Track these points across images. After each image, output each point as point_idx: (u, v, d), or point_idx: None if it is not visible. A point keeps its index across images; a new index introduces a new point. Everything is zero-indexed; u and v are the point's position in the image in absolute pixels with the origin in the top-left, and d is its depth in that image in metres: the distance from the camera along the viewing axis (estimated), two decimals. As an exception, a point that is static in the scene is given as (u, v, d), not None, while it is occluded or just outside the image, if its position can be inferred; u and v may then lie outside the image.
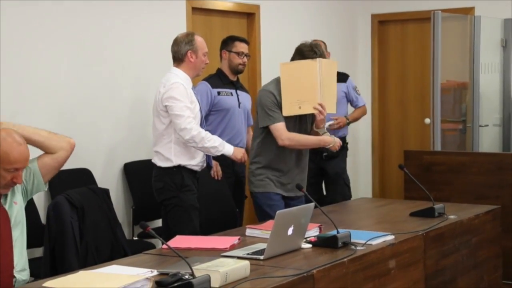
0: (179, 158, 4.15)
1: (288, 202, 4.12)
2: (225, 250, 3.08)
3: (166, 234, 4.07)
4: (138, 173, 4.91)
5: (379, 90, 7.35)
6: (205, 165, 4.38)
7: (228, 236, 3.41)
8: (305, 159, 4.19)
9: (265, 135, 4.06)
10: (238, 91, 5.00)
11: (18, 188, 2.93)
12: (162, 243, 2.72)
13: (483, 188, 5.10)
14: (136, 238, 4.89)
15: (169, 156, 4.15)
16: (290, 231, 3.00)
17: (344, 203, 5.12)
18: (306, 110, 3.98)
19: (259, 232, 3.39)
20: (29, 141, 2.94)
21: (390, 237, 3.33)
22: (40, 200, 4.38)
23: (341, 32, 7.08)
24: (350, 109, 5.89)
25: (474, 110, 6.22)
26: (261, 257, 2.90)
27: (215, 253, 3.00)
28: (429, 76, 5.97)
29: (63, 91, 4.59)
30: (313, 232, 3.36)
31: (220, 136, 4.85)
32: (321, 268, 2.80)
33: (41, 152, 3.04)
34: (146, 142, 4.92)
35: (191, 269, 2.46)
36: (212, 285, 2.48)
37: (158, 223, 4.82)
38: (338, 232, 3.15)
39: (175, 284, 2.42)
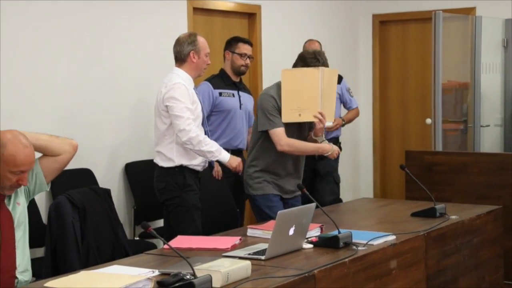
0: (181, 158, 4.15)
1: (286, 201, 4.13)
2: (226, 250, 3.08)
3: (168, 234, 4.07)
4: (139, 173, 4.92)
5: (380, 90, 7.35)
6: (207, 165, 4.38)
7: (229, 236, 3.41)
8: (302, 165, 4.21)
9: (263, 139, 4.06)
10: (240, 92, 5.00)
11: (21, 188, 2.93)
12: (164, 243, 2.72)
13: (484, 188, 5.09)
14: (137, 238, 4.89)
15: (171, 156, 4.15)
16: (291, 231, 3.00)
17: (345, 203, 5.12)
18: (306, 118, 3.99)
19: (261, 232, 3.39)
20: (37, 148, 2.94)
21: (391, 237, 3.33)
22: (42, 200, 4.38)
23: (342, 32, 7.09)
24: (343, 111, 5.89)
25: (475, 110, 6.22)
26: (263, 257, 2.91)
27: (217, 253, 3.00)
28: (430, 76, 5.97)
29: (64, 91, 4.59)
30: (314, 232, 3.36)
31: (220, 137, 4.87)
32: (322, 268, 2.80)
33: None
34: (147, 142, 4.92)
35: (193, 269, 2.46)
36: (213, 285, 2.48)
37: (160, 223, 4.82)
38: (339, 232, 3.15)
39: (177, 284, 2.42)
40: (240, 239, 3.29)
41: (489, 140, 6.39)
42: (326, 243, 3.14)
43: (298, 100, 3.94)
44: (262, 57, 6.11)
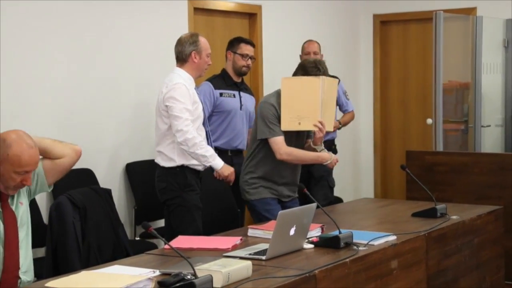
0: (182, 158, 4.15)
1: (284, 204, 4.13)
2: (227, 250, 3.08)
3: (169, 234, 4.07)
4: (140, 173, 4.92)
5: (381, 90, 7.34)
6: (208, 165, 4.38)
7: (230, 236, 3.41)
8: (298, 174, 4.23)
9: (262, 146, 4.06)
10: (241, 93, 5.00)
11: (22, 189, 2.93)
12: (164, 243, 2.72)
13: (485, 188, 5.09)
14: (138, 238, 4.89)
15: (172, 156, 4.15)
16: (292, 232, 3.00)
17: (345, 204, 5.12)
18: (306, 126, 4.00)
19: (261, 232, 3.39)
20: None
21: (392, 238, 3.33)
22: (42, 200, 4.39)
23: (343, 32, 7.09)
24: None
25: (476, 110, 6.21)
26: (263, 257, 2.91)
27: (217, 253, 3.00)
28: (431, 76, 5.97)
29: (65, 91, 4.59)
30: (315, 232, 3.36)
31: (220, 137, 4.88)
32: (323, 268, 2.80)
33: None
34: (148, 142, 4.92)
35: (193, 269, 2.47)
36: (214, 285, 2.48)
37: (160, 223, 4.82)
38: (340, 233, 3.15)
39: (177, 284, 2.42)
40: (241, 239, 3.29)
41: (490, 140, 6.38)
42: (327, 243, 3.14)
43: (298, 109, 3.95)
44: (263, 57, 6.11)
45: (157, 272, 2.66)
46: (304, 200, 4.05)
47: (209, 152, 4.09)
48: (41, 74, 4.45)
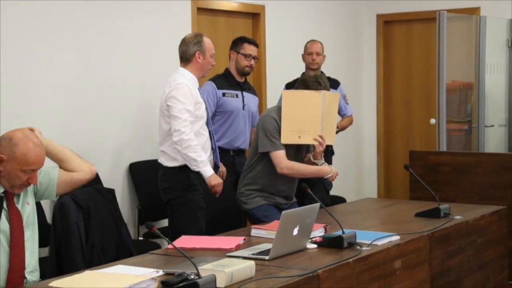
0: (185, 158, 4.14)
1: (282, 209, 4.13)
2: (230, 250, 3.08)
3: (172, 233, 4.07)
4: (143, 173, 4.92)
5: (384, 90, 7.34)
6: (211, 164, 4.38)
7: (233, 236, 3.41)
8: (295, 187, 4.23)
9: (261, 159, 4.07)
10: (244, 93, 4.99)
11: (30, 188, 2.94)
12: (168, 243, 2.72)
13: (488, 188, 5.09)
14: (141, 238, 4.89)
15: (175, 155, 4.15)
16: (295, 232, 3.00)
17: (349, 204, 5.12)
18: (306, 140, 4.01)
19: (265, 232, 3.39)
20: (50, 155, 3.00)
21: (395, 238, 3.33)
22: (46, 200, 4.38)
23: (346, 32, 7.08)
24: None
25: (479, 110, 6.20)
26: (267, 257, 2.91)
27: (221, 253, 3.00)
28: (434, 76, 5.96)
29: (68, 92, 4.59)
30: (318, 232, 3.36)
31: (222, 137, 4.88)
32: (326, 268, 2.80)
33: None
34: (151, 142, 4.93)
35: (197, 269, 2.47)
36: (217, 285, 2.48)
37: (164, 223, 4.82)
38: (343, 233, 3.15)
39: (181, 284, 2.42)
40: (244, 239, 3.29)
41: (493, 140, 6.37)
42: (330, 243, 3.14)
43: (298, 122, 3.96)
44: (266, 57, 6.11)
45: (161, 272, 2.66)
46: (302, 203, 4.06)
47: (201, 158, 4.08)
48: (45, 75, 4.45)
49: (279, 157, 3.96)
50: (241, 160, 4.88)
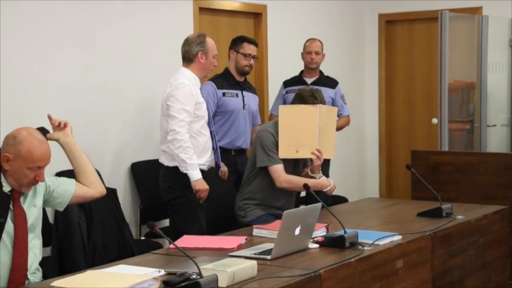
0: (186, 158, 4.14)
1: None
2: (232, 250, 3.08)
3: (173, 233, 4.08)
4: (145, 173, 4.92)
5: (386, 90, 7.33)
6: (212, 164, 4.38)
7: (235, 236, 3.41)
8: (293, 201, 4.24)
9: (259, 173, 4.07)
10: (244, 92, 4.99)
11: (41, 191, 2.95)
12: (170, 243, 2.72)
13: (490, 188, 5.08)
14: (143, 238, 4.89)
15: (175, 155, 4.15)
16: (297, 231, 3.00)
17: (351, 203, 5.12)
18: (304, 154, 4.03)
19: (266, 232, 3.40)
20: (75, 162, 3.05)
21: (397, 237, 3.32)
22: (48, 200, 4.39)
23: (348, 32, 7.08)
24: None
25: (481, 110, 6.20)
26: (268, 257, 2.91)
27: (223, 253, 3.00)
28: (436, 76, 5.96)
29: (70, 92, 4.59)
30: (320, 232, 3.36)
31: (223, 137, 4.87)
32: (328, 268, 2.80)
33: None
34: (153, 142, 4.93)
35: (199, 269, 2.47)
36: (219, 285, 2.48)
37: (166, 222, 4.82)
38: (345, 232, 3.15)
39: (183, 284, 2.42)
40: (246, 239, 3.29)
41: (495, 140, 6.37)
42: (332, 243, 3.13)
43: (296, 137, 3.98)
44: (268, 57, 6.11)
45: (162, 272, 2.66)
46: (305, 203, 4.05)
47: (192, 160, 4.07)
48: (46, 75, 4.45)
49: (278, 171, 3.99)
50: (242, 160, 4.88)
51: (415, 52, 7.20)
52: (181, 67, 4.28)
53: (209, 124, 4.33)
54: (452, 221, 3.75)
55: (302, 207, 3.78)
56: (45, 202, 3.00)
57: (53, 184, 2.99)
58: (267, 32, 6.09)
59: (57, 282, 2.54)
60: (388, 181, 7.40)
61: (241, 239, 3.25)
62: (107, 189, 3.89)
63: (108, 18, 4.80)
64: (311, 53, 5.46)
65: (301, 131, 3.98)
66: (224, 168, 4.74)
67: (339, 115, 5.63)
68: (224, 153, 4.80)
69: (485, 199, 4.89)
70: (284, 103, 5.41)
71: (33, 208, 2.90)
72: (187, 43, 4.27)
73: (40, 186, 2.95)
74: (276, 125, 4.05)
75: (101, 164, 4.71)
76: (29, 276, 2.86)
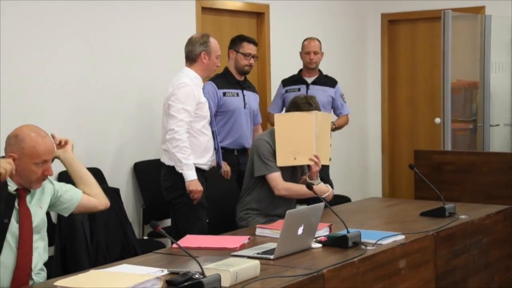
0: (188, 157, 4.14)
1: None
2: (235, 249, 3.08)
3: (175, 232, 4.08)
4: (148, 172, 4.92)
5: (389, 89, 7.33)
6: (214, 164, 4.38)
7: (238, 235, 3.41)
8: (294, 207, 4.23)
9: (257, 182, 4.07)
10: (245, 91, 4.98)
11: (49, 193, 2.96)
12: (172, 242, 2.72)
13: (493, 188, 5.08)
14: (146, 238, 4.90)
15: (177, 154, 4.15)
16: (300, 231, 2.99)
17: (353, 203, 5.11)
18: (302, 161, 4.04)
19: (269, 231, 3.39)
20: (76, 175, 3.07)
21: (400, 237, 3.32)
22: (51, 200, 4.39)
23: (350, 31, 7.07)
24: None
25: (484, 109, 6.19)
26: (271, 257, 2.91)
27: (225, 252, 3.00)
28: (439, 75, 5.95)
29: (72, 92, 4.60)
30: (323, 231, 3.36)
31: (226, 138, 4.86)
32: (331, 267, 2.79)
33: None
34: (156, 141, 4.92)
35: (202, 269, 2.47)
36: (222, 284, 2.48)
37: (168, 222, 4.82)
38: (348, 232, 3.15)
39: (186, 283, 2.43)
40: (249, 239, 3.29)
41: (498, 140, 6.36)
42: (335, 243, 3.13)
43: (293, 144, 3.99)
44: (271, 57, 6.11)
45: (165, 271, 2.66)
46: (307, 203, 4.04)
47: (187, 161, 4.07)
48: (49, 75, 4.46)
49: (276, 179, 3.99)
50: (244, 159, 4.88)
51: (418, 51, 7.19)
52: (184, 66, 4.29)
53: (211, 124, 4.33)
54: (455, 220, 3.74)
55: (304, 206, 3.77)
56: (51, 206, 3.00)
57: (61, 189, 3.00)
58: (269, 32, 6.09)
59: (60, 282, 2.54)
60: (391, 180, 7.39)
61: (244, 239, 3.25)
62: (110, 188, 3.92)
63: (110, 18, 4.80)
64: (309, 53, 5.46)
65: (298, 138, 4.00)
66: (226, 167, 4.75)
67: (339, 114, 5.64)
68: (227, 153, 4.80)
69: (488, 198, 4.89)
70: (284, 102, 5.41)
71: (39, 209, 2.91)
72: (190, 43, 4.28)
73: (49, 189, 2.96)
74: (272, 134, 4.07)
75: (104, 164, 4.72)
76: (33, 277, 2.86)
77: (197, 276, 2.45)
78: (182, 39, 4.40)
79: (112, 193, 3.85)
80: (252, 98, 5.04)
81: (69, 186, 3.05)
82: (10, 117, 4.11)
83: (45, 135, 2.87)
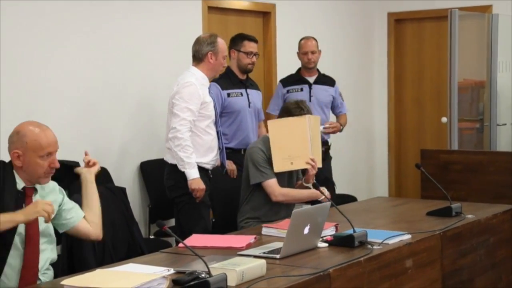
0: (191, 155, 4.15)
1: None
2: (241, 249, 3.08)
3: (178, 231, 4.08)
4: (154, 171, 4.93)
5: (396, 89, 7.32)
6: (218, 163, 4.38)
7: (244, 235, 3.41)
8: (292, 210, 4.21)
9: (255, 191, 4.07)
10: (248, 90, 4.97)
11: (57, 201, 2.95)
12: (178, 242, 2.72)
13: (500, 187, 5.06)
14: (152, 237, 4.91)
15: (179, 153, 4.15)
16: (306, 230, 2.99)
17: (360, 202, 5.11)
18: (298, 165, 4.06)
19: (275, 231, 3.40)
20: (86, 198, 3.07)
21: (407, 237, 3.32)
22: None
23: (357, 30, 7.06)
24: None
25: (491, 108, 6.17)
26: (278, 256, 2.91)
27: (232, 252, 3.00)
28: (446, 74, 5.94)
29: (78, 92, 4.60)
30: (329, 231, 3.36)
31: (232, 138, 4.86)
32: (337, 267, 2.79)
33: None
34: (162, 140, 4.92)
35: (208, 268, 2.47)
36: (228, 283, 2.48)
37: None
38: (354, 231, 3.15)
39: (192, 283, 2.43)
40: (255, 238, 3.29)
41: (505, 139, 6.34)
42: (341, 242, 3.13)
43: (289, 149, 4.01)
44: (277, 56, 6.11)
45: (172, 271, 2.67)
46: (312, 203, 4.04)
47: (189, 159, 4.08)
48: (53, 75, 4.46)
49: (272, 185, 4.00)
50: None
51: (425, 51, 7.17)
52: (191, 66, 4.29)
53: (216, 124, 4.33)
54: (461, 220, 3.74)
55: (310, 206, 3.77)
56: (55, 215, 3.00)
57: (67, 206, 3.00)
58: (275, 31, 6.09)
59: (67, 281, 2.55)
60: (397, 180, 7.38)
61: (250, 238, 3.25)
62: (117, 188, 3.92)
63: (117, 17, 4.81)
64: (307, 54, 5.45)
65: (293, 143, 4.01)
66: (232, 166, 4.75)
67: (338, 113, 5.63)
68: (234, 153, 4.81)
69: (495, 198, 4.87)
70: (284, 102, 5.40)
71: None
72: (198, 42, 4.28)
73: (58, 198, 2.96)
74: (265, 141, 4.07)
75: (110, 163, 4.72)
76: (40, 276, 2.87)
77: (203, 275, 2.45)
78: (188, 39, 4.41)
79: (119, 192, 3.86)
80: (256, 96, 5.04)
81: (76, 207, 3.04)
82: (12, 118, 4.11)
83: (46, 127, 2.87)
